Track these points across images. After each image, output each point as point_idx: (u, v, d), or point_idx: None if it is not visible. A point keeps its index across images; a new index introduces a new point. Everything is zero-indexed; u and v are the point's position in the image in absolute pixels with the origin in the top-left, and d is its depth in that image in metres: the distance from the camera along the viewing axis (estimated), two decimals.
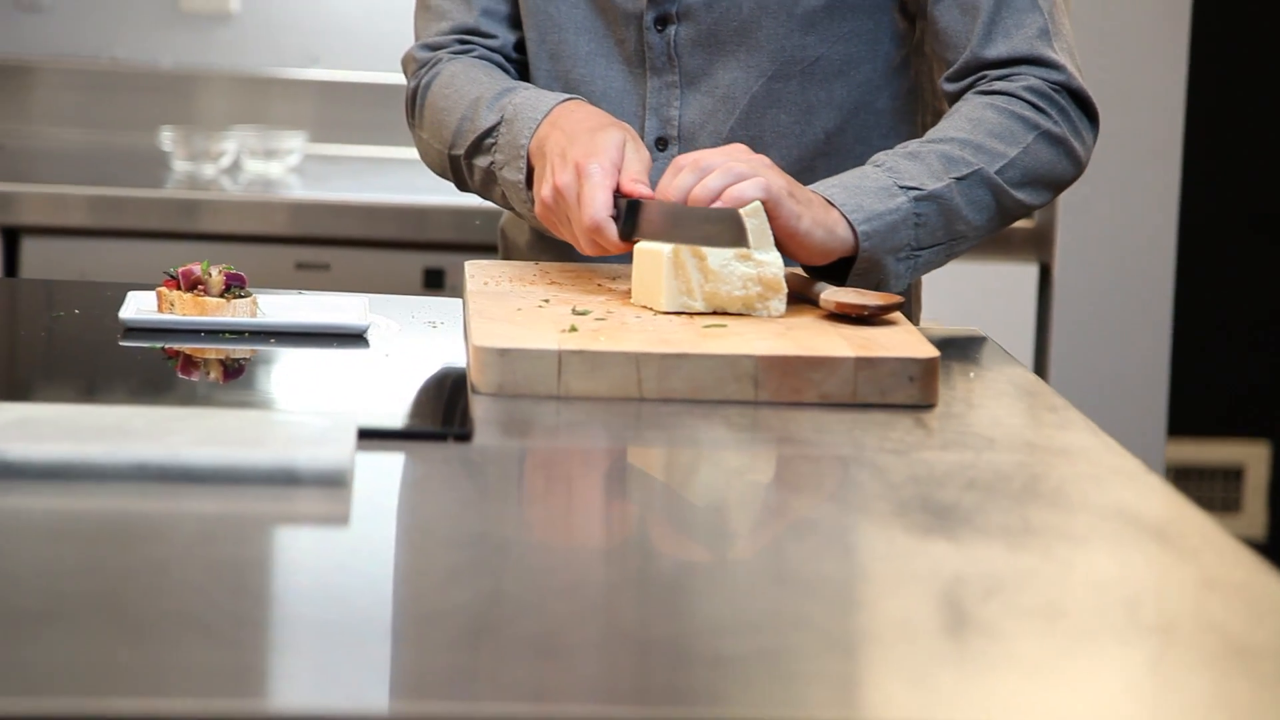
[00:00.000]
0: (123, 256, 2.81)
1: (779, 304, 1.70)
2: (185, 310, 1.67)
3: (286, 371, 1.61)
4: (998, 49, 1.81)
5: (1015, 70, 1.80)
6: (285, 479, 1.28)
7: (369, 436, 1.38)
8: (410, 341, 1.70)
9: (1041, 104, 1.79)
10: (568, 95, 1.83)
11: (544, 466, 1.40)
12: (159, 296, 1.69)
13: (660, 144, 1.90)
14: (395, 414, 1.52)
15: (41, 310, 1.76)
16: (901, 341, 1.62)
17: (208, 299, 1.68)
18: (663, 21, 1.87)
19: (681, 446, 1.46)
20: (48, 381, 1.58)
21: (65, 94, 3.25)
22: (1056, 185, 1.82)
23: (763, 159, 1.71)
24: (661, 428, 1.49)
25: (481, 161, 1.85)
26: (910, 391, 1.57)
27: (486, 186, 1.87)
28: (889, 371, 1.57)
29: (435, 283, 2.84)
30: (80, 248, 2.80)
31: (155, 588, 1.10)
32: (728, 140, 1.88)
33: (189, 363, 1.63)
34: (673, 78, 1.88)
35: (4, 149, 3.15)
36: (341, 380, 1.59)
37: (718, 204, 1.67)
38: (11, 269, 2.79)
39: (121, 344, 1.63)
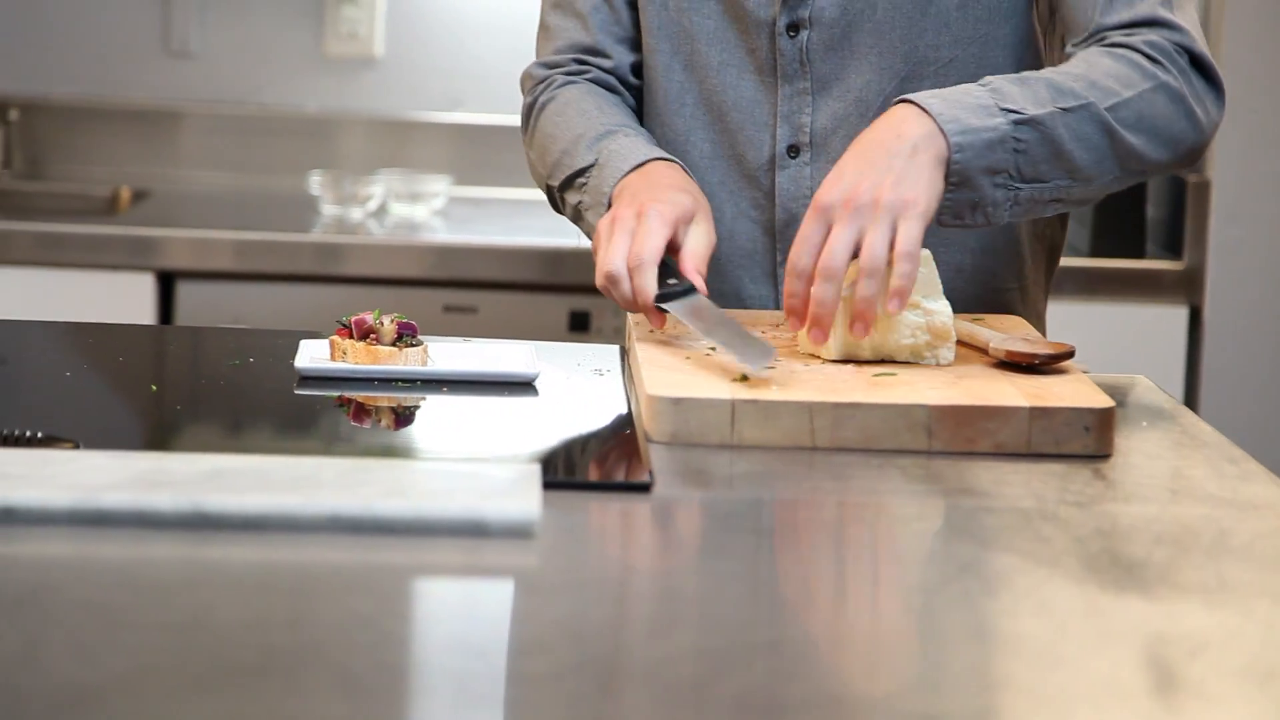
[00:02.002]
0: (273, 300, 2.85)
1: (948, 352, 1.70)
2: (358, 359, 1.69)
3: (461, 420, 1.63)
4: (1119, 15, 1.79)
5: (1136, 30, 1.77)
6: (474, 530, 1.29)
7: (550, 487, 1.39)
8: (578, 389, 1.71)
9: (1161, 58, 1.75)
10: (662, 154, 1.85)
11: (727, 517, 1.41)
12: (332, 345, 1.71)
13: (791, 151, 1.91)
14: (574, 464, 1.53)
15: (217, 358, 1.79)
16: (1075, 391, 1.61)
17: (380, 348, 1.70)
18: (794, 28, 1.88)
19: (861, 497, 1.46)
20: (232, 430, 1.60)
21: (213, 138, 3.31)
22: (1174, 142, 1.75)
23: (869, 160, 1.64)
24: (838, 478, 1.49)
25: (572, 198, 1.90)
26: (1086, 442, 1.56)
27: (576, 221, 1.93)
28: (1064, 421, 1.56)
29: (581, 325, 2.86)
30: (230, 291, 2.84)
31: (362, 641, 1.11)
32: None
33: (365, 411, 1.65)
34: (804, 84, 1.89)
35: (154, 194, 3.21)
36: (516, 429, 1.60)
37: (896, 267, 1.63)
38: (167, 313, 2.84)
39: (297, 392, 1.66)
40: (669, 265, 1.75)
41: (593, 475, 1.50)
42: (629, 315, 1.89)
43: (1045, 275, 2.02)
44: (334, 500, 1.29)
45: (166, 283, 2.85)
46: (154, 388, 1.69)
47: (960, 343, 1.73)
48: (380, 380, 1.68)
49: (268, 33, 3.32)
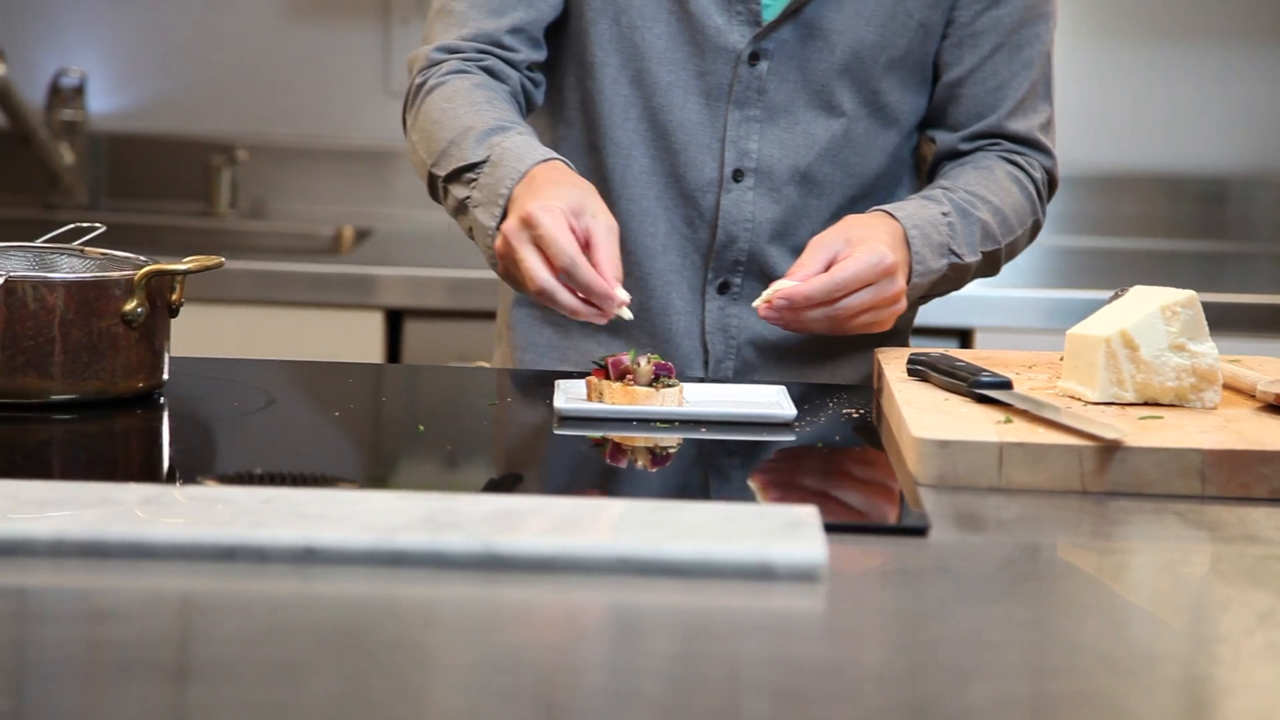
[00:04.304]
0: (491, 337, 2.88)
1: (1214, 395, 1.67)
2: (615, 399, 1.71)
3: (723, 462, 1.63)
4: (1017, 126, 2.01)
5: (1027, 150, 2.02)
6: (760, 574, 1.30)
7: (827, 529, 1.38)
8: (832, 430, 1.70)
9: (1043, 194, 2.03)
10: (553, 155, 1.81)
11: (1008, 562, 1.39)
12: (588, 386, 1.72)
13: (737, 175, 1.96)
14: (844, 506, 1.53)
15: (473, 397, 1.81)
16: None
17: (637, 388, 1.71)
18: (756, 57, 1.94)
19: (1141, 543, 1.44)
20: (501, 470, 1.62)
21: None
22: (1014, 258, 2.04)
23: (882, 265, 1.81)
24: (1113, 523, 1.47)
25: (459, 192, 1.84)
26: None
27: (457, 214, 1.87)
28: None
29: None
30: (452, 329, 2.88)
31: (678, 681, 1.11)
32: (804, 176, 1.96)
33: (625, 452, 1.66)
34: (755, 112, 1.95)
35: (375, 233, 3.26)
36: (779, 471, 1.60)
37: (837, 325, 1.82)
38: (394, 351, 2.89)
39: (557, 432, 1.67)
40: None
41: (865, 518, 1.50)
42: (877, 356, 1.88)
43: None
44: (624, 542, 1.30)
45: (395, 321, 2.90)
46: (421, 428, 1.72)
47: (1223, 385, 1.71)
48: (639, 421, 1.69)
49: None
